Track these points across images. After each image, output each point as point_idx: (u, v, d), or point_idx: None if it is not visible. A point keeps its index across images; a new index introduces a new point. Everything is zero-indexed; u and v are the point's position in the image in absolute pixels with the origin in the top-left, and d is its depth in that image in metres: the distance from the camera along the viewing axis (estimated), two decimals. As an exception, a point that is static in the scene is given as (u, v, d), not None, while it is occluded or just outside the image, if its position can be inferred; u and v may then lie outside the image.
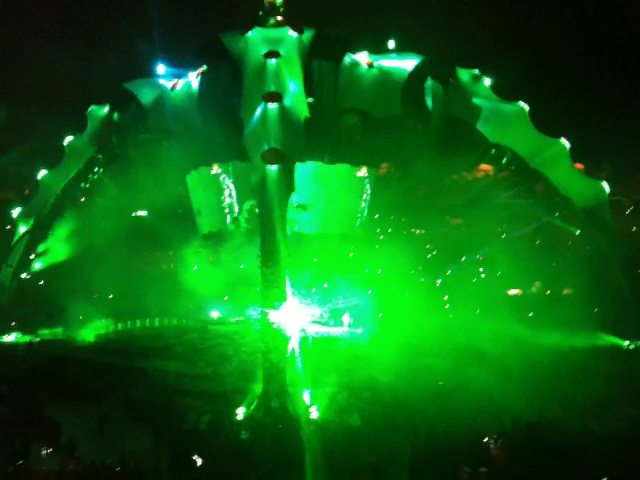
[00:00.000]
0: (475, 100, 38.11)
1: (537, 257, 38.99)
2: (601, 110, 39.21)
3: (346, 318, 37.20)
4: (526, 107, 37.62)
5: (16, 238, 39.30)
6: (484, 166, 40.44)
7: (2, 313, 37.45)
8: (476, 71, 38.95)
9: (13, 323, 37.13)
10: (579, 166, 38.57)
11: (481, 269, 38.73)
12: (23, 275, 39.10)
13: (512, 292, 39.61)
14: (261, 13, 37.84)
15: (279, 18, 37.65)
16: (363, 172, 38.75)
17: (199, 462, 21.11)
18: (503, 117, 38.07)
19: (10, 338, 36.73)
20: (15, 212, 39.62)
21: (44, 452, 22.49)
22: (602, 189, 36.98)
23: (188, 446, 22.51)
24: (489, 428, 22.98)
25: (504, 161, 38.70)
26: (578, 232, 38.20)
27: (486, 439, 22.26)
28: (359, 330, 36.48)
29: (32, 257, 39.47)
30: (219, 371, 31.03)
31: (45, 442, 23.00)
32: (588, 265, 36.33)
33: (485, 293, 36.53)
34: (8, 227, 40.17)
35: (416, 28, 41.17)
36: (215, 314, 38.93)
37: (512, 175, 39.23)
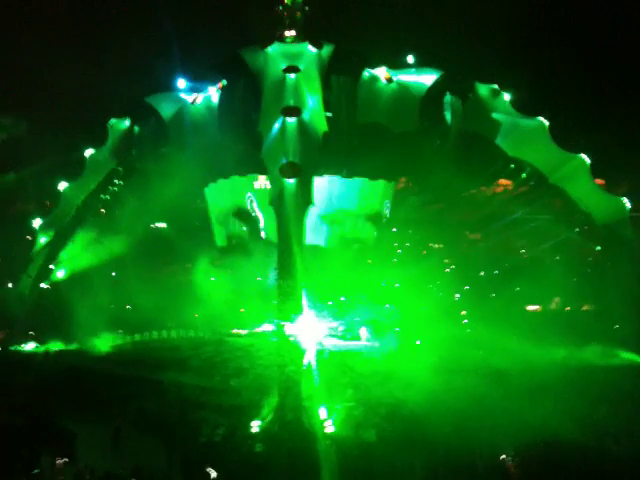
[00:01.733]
0: (494, 115, 38.09)
1: (556, 273, 38.55)
2: (622, 125, 38.86)
3: (363, 332, 36.96)
4: (546, 122, 37.49)
5: (36, 249, 39.69)
6: (503, 181, 40.27)
7: (21, 323, 37.76)
8: (495, 86, 38.93)
9: (31, 333, 37.41)
10: (599, 182, 38.29)
11: (500, 285, 38.26)
12: (42, 285, 39.40)
13: (531, 308, 39.16)
14: (280, 28, 38.17)
15: (298, 33, 37.97)
16: (381, 186, 38.83)
17: (213, 475, 21.00)
18: (522, 132, 37.98)
19: (28, 348, 37.00)
20: (36, 223, 40.06)
21: (59, 462, 22.48)
22: (623, 205, 36.66)
23: (202, 459, 22.43)
24: (506, 446, 22.68)
25: (523, 176, 38.58)
26: (598, 248, 37.87)
27: (503, 457, 21.97)
28: (376, 344, 36.24)
29: (51, 268, 39.81)
30: (235, 384, 30.92)
31: (60, 452, 22.99)
32: (608, 281, 35.94)
33: (504, 309, 36.12)
34: (29, 238, 40.50)
35: (435, 43, 41.20)
36: (232, 327, 38.87)
37: (531, 190, 39.03)
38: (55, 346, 36.26)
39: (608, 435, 23.92)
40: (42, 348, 36.30)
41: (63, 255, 40.06)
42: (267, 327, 37.72)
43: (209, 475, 20.93)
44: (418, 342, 34.99)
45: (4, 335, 37.58)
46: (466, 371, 29.29)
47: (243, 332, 38.69)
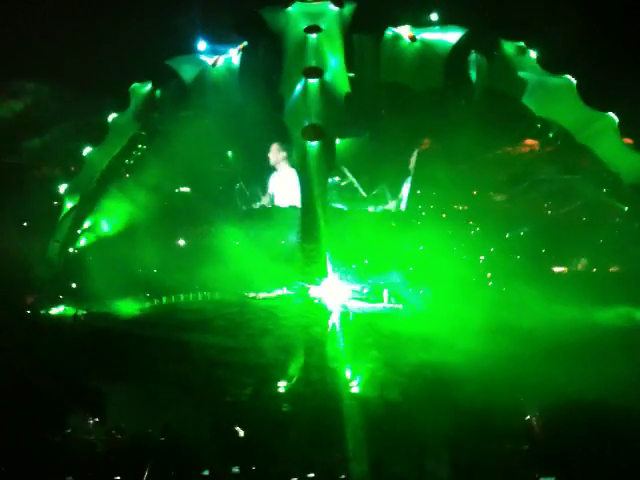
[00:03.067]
0: (520, 73, 37.33)
1: (583, 234, 38.12)
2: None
3: (386, 294, 37.04)
4: (573, 80, 36.68)
5: (63, 214, 40.06)
6: (529, 141, 39.58)
7: (49, 287, 38.34)
8: (521, 43, 38.10)
9: (60, 296, 38.02)
10: (628, 141, 37.50)
11: (525, 246, 37.92)
12: (70, 250, 39.88)
13: (557, 269, 38.80)
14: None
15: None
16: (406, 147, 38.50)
17: (241, 433, 21.37)
18: (549, 90, 37.23)
19: (57, 311, 37.64)
20: (62, 188, 40.35)
21: (90, 422, 22.99)
22: (652, 164, 35.97)
23: (230, 418, 22.84)
24: (531, 405, 22.72)
25: (550, 135, 37.89)
26: (626, 209, 37.30)
27: (527, 416, 22.03)
28: (400, 306, 36.31)
29: (79, 232, 40.23)
30: (260, 344, 31.22)
31: (91, 413, 23.50)
32: (636, 242, 35.47)
33: (529, 270, 35.83)
34: (55, 203, 40.90)
35: (460, 0, 40.29)
36: (256, 290, 39.15)
37: (558, 150, 38.36)
38: (83, 309, 36.79)
39: (634, 394, 23.81)
40: (71, 311, 36.87)
41: (89, 220, 40.44)
42: (292, 290, 37.94)
43: (237, 433, 21.30)
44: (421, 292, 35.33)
45: (34, 299, 38.21)
46: (491, 332, 29.16)
47: (268, 295, 38.95)
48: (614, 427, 21.01)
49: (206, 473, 18.24)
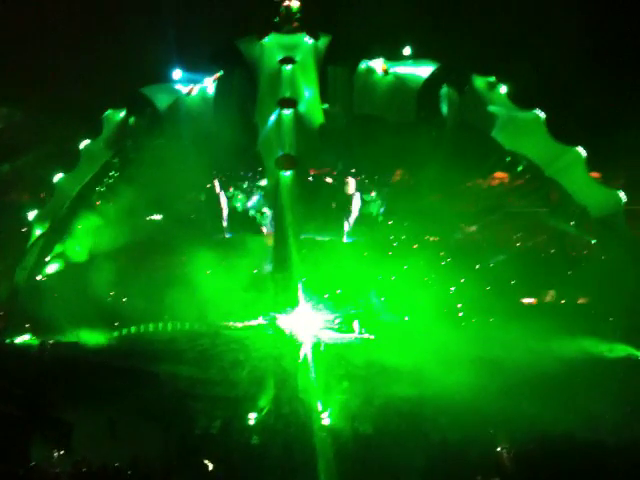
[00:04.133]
0: (490, 107, 38.05)
1: (552, 266, 38.72)
2: (618, 118, 38.92)
3: (357, 325, 37.09)
4: (542, 115, 37.47)
5: (32, 240, 39.51)
6: (499, 174, 40.25)
7: (16, 315, 37.66)
8: (492, 78, 38.85)
9: (27, 325, 37.34)
10: (595, 175, 38.32)
11: (495, 277, 38.33)
12: (38, 277, 39.27)
13: (526, 301, 39.26)
14: (277, 19, 38.03)
15: (295, 24, 37.83)
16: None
17: (210, 466, 21.08)
18: (518, 125, 37.93)
19: (23, 339, 36.92)
20: (31, 215, 39.81)
21: (56, 454, 22.49)
22: (618, 198, 36.65)
23: (199, 450, 22.53)
24: (502, 438, 22.78)
25: (519, 169, 38.55)
26: (593, 241, 37.97)
27: (499, 449, 22.07)
28: (372, 337, 36.35)
29: (47, 259, 39.66)
30: (231, 376, 30.99)
31: (57, 444, 22.99)
32: (603, 274, 36.06)
33: (499, 302, 36.21)
34: (24, 230, 40.34)
35: (432, 35, 41.14)
36: (227, 319, 38.89)
37: (527, 183, 39.02)
38: (51, 338, 36.15)
39: (605, 428, 24.06)
40: (38, 340, 36.20)
41: (58, 247, 39.90)
42: (263, 320, 37.78)
43: (206, 466, 21.01)
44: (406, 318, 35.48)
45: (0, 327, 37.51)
46: (462, 363, 29.35)
47: (239, 325, 38.70)
48: (582, 459, 21.15)
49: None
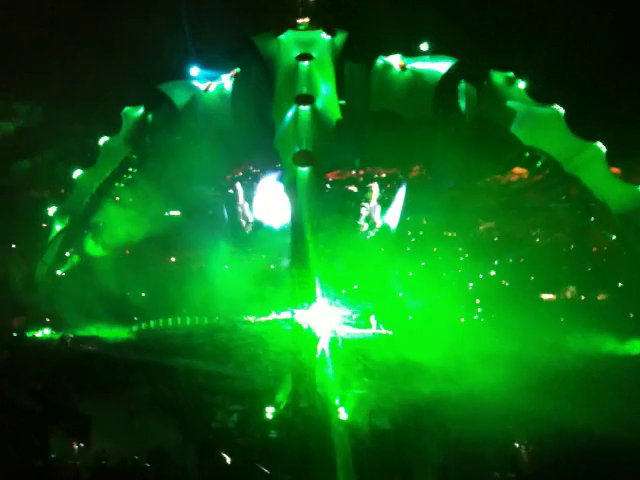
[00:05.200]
0: (509, 103, 37.78)
1: (572, 262, 38.41)
2: (638, 112, 38.40)
3: (374, 320, 37.05)
4: (561, 110, 37.16)
5: (52, 236, 39.95)
6: (518, 169, 39.96)
7: (37, 309, 38.09)
8: (510, 74, 38.60)
9: (47, 319, 37.76)
10: (615, 170, 37.93)
11: (514, 273, 38.10)
12: (58, 272, 39.70)
13: (546, 297, 38.97)
14: (294, 15, 37.94)
15: (311, 20, 37.74)
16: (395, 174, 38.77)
17: (227, 460, 21.15)
18: (537, 120, 37.66)
19: (44, 334, 37.35)
20: (51, 210, 40.29)
21: (75, 447, 22.69)
22: (639, 194, 36.31)
23: (217, 444, 22.62)
24: (519, 434, 22.65)
25: (538, 164, 38.29)
26: (614, 237, 37.63)
27: (516, 444, 21.96)
28: (390, 332, 36.31)
29: (67, 255, 40.10)
30: (248, 371, 31.16)
31: (76, 437, 23.20)
32: (623, 271, 35.74)
33: (518, 297, 35.98)
34: (44, 225, 40.78)
35: (450, 30, 40.84)
36: (245, 314, 39.05)
37: (546, 179, 38.74)
38: (71, 333, 36.54)
39: (623, 424, 23.81)
40: (58, 335, 36.60)
41: (78, 242, 40.33)
42: (281, 315, 37.89)
43: (224, 460, 21.08)
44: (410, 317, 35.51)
45: (21, 322, 37.92)
46: (480, 359, 29.24)
47: (257, 319, 38.86)
48: (599, 455, 20.97)
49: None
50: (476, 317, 37.52)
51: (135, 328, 38.46)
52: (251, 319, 38.75)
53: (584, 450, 21.37)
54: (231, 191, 42.06)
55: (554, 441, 22.46)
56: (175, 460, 21.24)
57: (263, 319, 38.75)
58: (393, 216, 40.17)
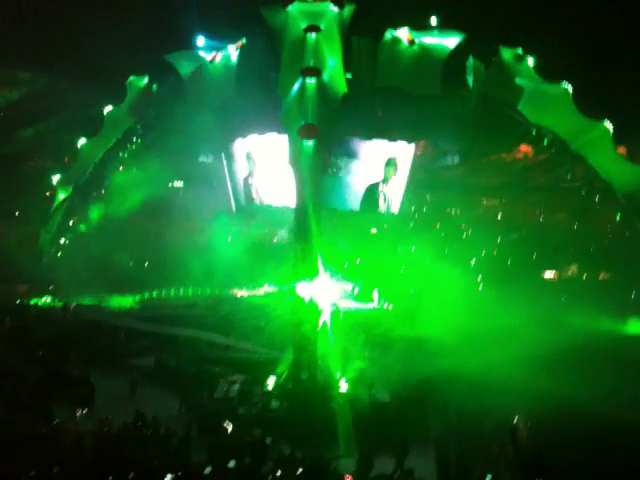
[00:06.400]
0: (517, 80, 37.43)
1: (574, 241, 38.46)
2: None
3: (376, 294, 37.15)
4: (569, 88, 36.86)
5: (55, 204, 39.96)
6: (524, 147, 39.78)
7: (40, 277, 38.25)
8: (519, 50, 38.22)
9: (50, 287, 37.92)
10: (621, 150, 37.76)
11: (516, 251, 38.16)
12: (61, 241, 39.78)
13: (547, 275, 39.07)
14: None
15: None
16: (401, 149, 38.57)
17: (229, 429, 21.34)
18: (545, 98, 37.32)
19: (46, 302, 37.53)
20: (55, 179, 40.24)
21: (78, 413, 22.91)
22: (644, 174, 36.18)
23: (218, 413, 22.83)
24: (518, 409, 22.83)
25: (544, 143, 38.03)
26: (618, 217, 37.56)
27: (515, 419, 22.13)
28: (391, 307, 36.43)
29: (70, 223, 40.15)
30: (250, 341, 31.35)
31: (79, 403, 23.42)
32: (626, 251, 35.75)
33: (520, 275, 36.06)
34: (47, 193, 40.80)
35: (459, 4, 40.44)
36: (248, 286, 39.21)
37: (552, 157, 38.56)
38: (74, 301, 36.70)
39: (621, 402, 24.01)
40: (61, 302, 36.77)
41: (82, 211, 40.37)
42: (283, 288, 37.98)
43: (226, 429, 21.27)
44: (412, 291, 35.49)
45: (24, 289, 38.11)
46: (481, 334, 29.45)
47: (259, 292, 39.01)
48: (597, 432, 21.18)
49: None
50: (478, 293, 37.61)
51: (138, 297, 38.58)
52: (254, 291, 38.87)
53: (583, 426, 21.60)
54: (234, 163, 41.87)
55: (553, 417, 22.65)
56: (177, 428, 21.45)
57: (262, 291, 38.86)
58: (397, 192, 40.04)
